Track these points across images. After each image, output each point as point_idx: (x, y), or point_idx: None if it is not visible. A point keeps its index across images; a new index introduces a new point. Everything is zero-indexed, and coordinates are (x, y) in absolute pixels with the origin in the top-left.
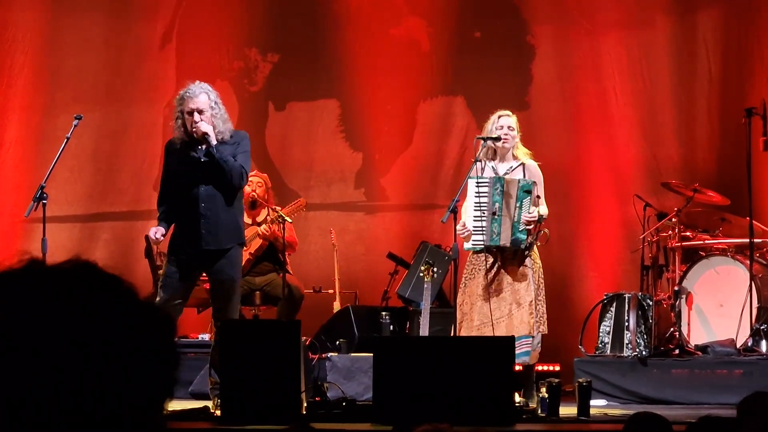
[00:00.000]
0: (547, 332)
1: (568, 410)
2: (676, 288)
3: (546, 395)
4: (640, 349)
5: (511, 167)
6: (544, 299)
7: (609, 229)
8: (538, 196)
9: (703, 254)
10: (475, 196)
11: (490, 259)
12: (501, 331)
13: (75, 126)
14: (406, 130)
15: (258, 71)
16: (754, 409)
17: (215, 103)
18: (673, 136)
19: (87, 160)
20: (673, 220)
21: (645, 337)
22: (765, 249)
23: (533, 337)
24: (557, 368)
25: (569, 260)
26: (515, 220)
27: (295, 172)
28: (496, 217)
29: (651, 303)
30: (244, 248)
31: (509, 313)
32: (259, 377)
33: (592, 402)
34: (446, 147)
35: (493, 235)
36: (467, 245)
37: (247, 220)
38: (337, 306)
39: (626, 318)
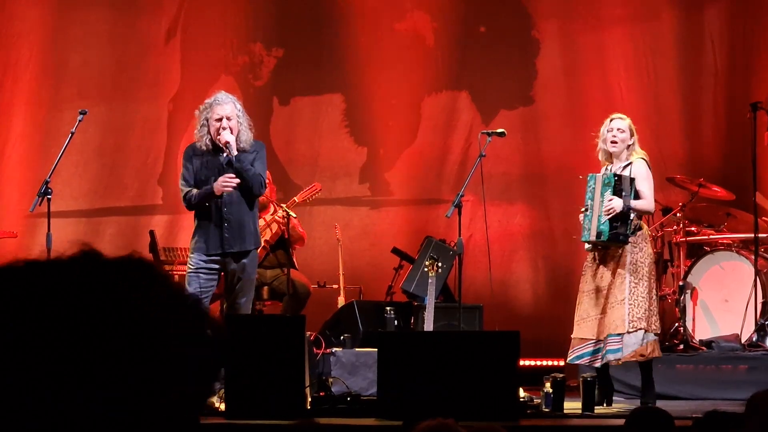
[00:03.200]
0: (657, 330)
1: (572, 405)
2: (681, 283)
3: (550, 390)
4: None
5: (620, 167)
6: (649, 296)
7: None
8: (638, 191)
9: (708, 249)
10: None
11: (595, 255)
12: (594, 329)
13: (80, 121)
14: (410, 125)
15: (263, 66)
16: (762, 406)
17: (241, 112)
18: (678, 131)
19: (92, 155)
20: (678, 215)
21: None
22: None
23: (630, 333)
24: (562, 363)
25: (574, 255)
26: (599, 213)
27: (300, 166)
28: (587, 213)
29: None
30: None
31: (604, 310)
32: (263, 372)
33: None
34: (451, 142)
35: (584, 231)
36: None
37: None
38: (341, 301)
39: None
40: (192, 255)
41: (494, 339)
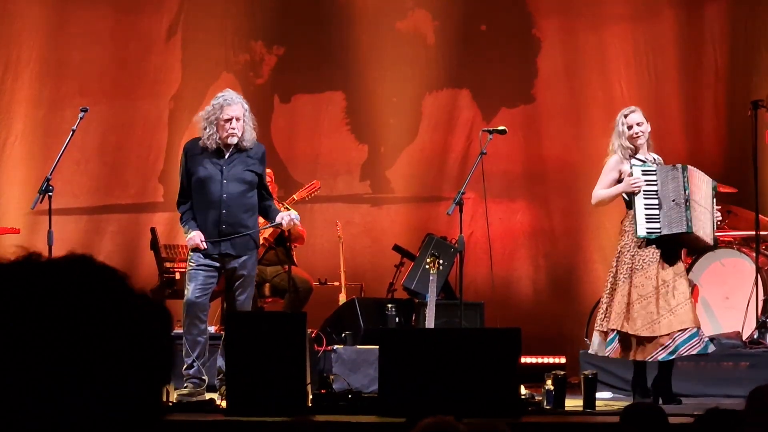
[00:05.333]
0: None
1: (573, 402)
2: None
3: (551, 388)
4: None
5: (654, 159)
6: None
7: (615, 223)
8: None
9: None
10: (645, 184)
11: (657, 252)
12: (665, 327)
13: (81, 118)
14: (411, 123)
15: (263, 64)
16: (762, 402)
17: (248, 111)
18: (679, 129)
19: (93, 152)
20: None
21: None
22: None
23: (697, 329)
24: (563, 360)
25: (575, 253)
26: (713, 219)
27: (301, 164)
28: (688, 204)
29: None
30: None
31: (675, 307)
32: (264, 369)
33: (598, 394)
34: (452, 139)
35: (682, 220)
36: (641, 232)
37: None
38: (342, 298)
39: None
40: (191, 254)
41: (495, 336)
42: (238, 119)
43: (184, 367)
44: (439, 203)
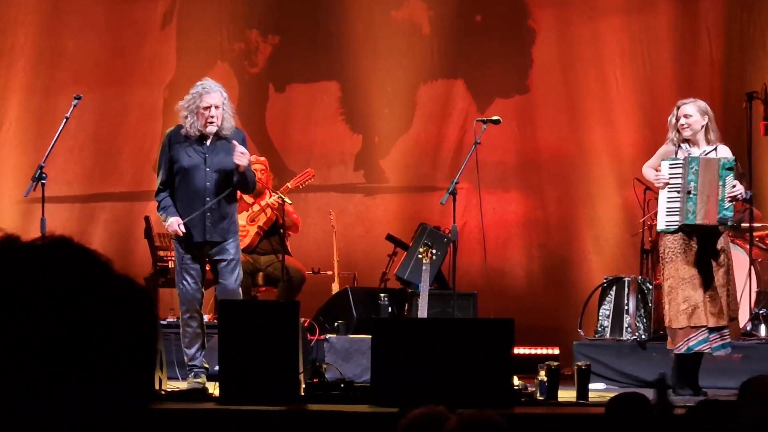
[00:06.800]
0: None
1: (567, 393)
2: None
3: (545, 378)
4: (639, 333)
5: (704, 152)
6: (734, 285)
7: (609, 213)
8: (743, 173)
9: None
10: (670, 178)
11: (687, 241)
12: (704, 315)
13: (74, 106)
14: (406, 113)
15: (258, 53)
16: (754, 392)
17: (226, 99)
18: None
19: (87, 140)
20: None
21: (644, 320)
22: (765, 233)
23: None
24: (556, 351)
25: (569, 243)
26: (720, 197)
27: (295, 153)
28: (691, 195)
29: (651, 287)
30: (253, 223)
31: (711, 297)
32: (257, 358)
33: (591, 385)
34: (446, 130)
35: (688, 214)
36: (660, 226)
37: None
38: (335, 287)
39: (626, 302)
40: (178, 246)
41: (488, 326)
42: (216, 107)
43: (187, 359)
44: (433, 193)
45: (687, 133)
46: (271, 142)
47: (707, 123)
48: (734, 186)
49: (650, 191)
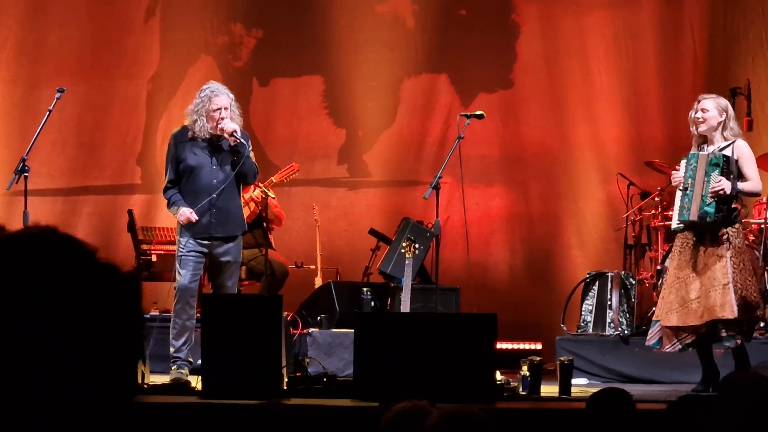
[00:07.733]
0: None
1: (549, 389)
2: (658, 267)
3: (527, 373)
4: (622, 328)
5: (719, 147)
6: (748, 283)
7: (592, 208)
8: (743, 173)
9: None
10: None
11: (692, 239)
12: (694, 315)
13: (57, 99)
14: (389, 107)
15: (242, 46)
16: (733, 388)
17: (233, 100)
18: (657, 115)
19: (70, 133)
20: (656, 199)
21: (627, 316)
22: (748, 229)
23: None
24: (539, 346)
25: (552, 238)
26: (703, 193)
27: (279, 147)
28: (687, 192)
29: (634, 282)
30: None
31: (705, 294)
32: (240, 352)
33: (574, 380)
34: (430, 124)
35: (683, 210)
36: (673, 225)
37: None
38: (318, 281)
39: (609, 297)
40: (181, 238)
41: (471, 321)
42: (225, 108)
43: (173, 350)
44: (416, 187)
45: (702, 128)
46: (255, 136)
47: (724, 120)
48: (719, 181)
49: (634, 186)
